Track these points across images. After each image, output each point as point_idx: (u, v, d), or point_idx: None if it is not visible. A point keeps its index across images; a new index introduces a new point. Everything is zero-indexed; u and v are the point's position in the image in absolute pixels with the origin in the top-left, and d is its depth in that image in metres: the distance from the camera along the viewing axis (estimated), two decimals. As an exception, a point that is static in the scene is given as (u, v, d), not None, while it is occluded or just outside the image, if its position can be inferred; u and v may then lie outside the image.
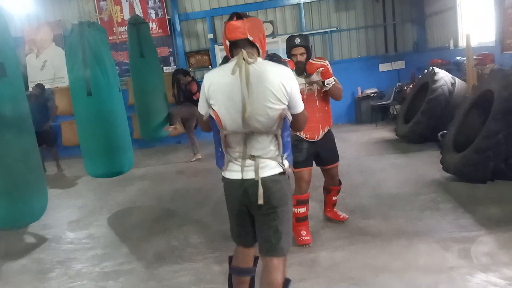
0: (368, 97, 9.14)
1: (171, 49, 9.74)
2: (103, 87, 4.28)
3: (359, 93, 9.31)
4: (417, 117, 6.55)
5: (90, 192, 6.40)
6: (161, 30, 9.59)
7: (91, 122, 4.34)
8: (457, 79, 6.46)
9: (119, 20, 9.20)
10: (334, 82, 3.43)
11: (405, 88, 8.35)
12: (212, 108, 2.19)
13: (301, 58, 3.44)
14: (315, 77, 3.46)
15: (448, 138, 5.27)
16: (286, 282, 2.25)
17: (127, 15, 9.25)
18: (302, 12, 9.45)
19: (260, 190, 2.16)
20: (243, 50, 2.15)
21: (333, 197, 3.99)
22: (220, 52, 9.61)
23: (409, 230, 3.66)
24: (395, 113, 8.57)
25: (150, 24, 9.34)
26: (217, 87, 2.18)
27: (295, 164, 3.48)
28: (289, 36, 3.53)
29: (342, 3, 9.43)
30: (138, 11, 9.28)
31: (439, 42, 8.45)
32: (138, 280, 3.40)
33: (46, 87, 9.56)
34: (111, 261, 3.83)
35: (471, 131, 4.91)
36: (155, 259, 3.74)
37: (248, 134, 2.18)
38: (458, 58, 6.90)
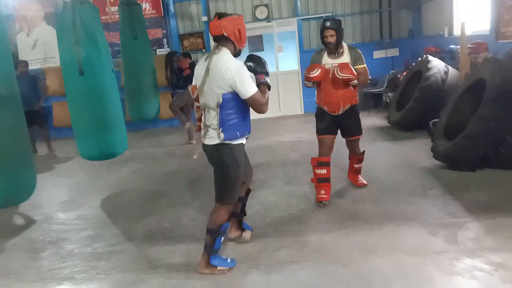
0: (361, 83, 9.13)
1: (164, 31, 9.62)
2: (96, 66, 4.21)
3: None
4: (410, 105, 6.59)
5: (81, 173, 6.38)
6: (154, 11, 9.45)
7: (84, 102, 4.27)
8: (450, 68, 6.48)
9: (112, 0, 9.04)
10: (357, 82, 3.92)
11: (399, 75, 8.36)
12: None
13: (331, 40, 3.94)
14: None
15: (439, 126, 5.32)
16: (223, 224, 3.02)
17: (120, -5, 9.10)
18: (298, -4, 9.37)
19: (200, 150, 3.03)
20: (215, 43, 2.86)
21: (355, 165, 4.46)
22: (214, 35, 9.52)
23: (398, 215, 3.72)
24: (388, 100, 8.60)
25: (144, 5, 9.22)
26: (197, 68, 2.95)
27: (318, 131, 4.18)
28: (323, 20, 4.06)
29: (338, -12, 9.37)
30: (132, -9, 9.12)
31: (434, 30, 8.45)
32: (129, 261, 3.43)
33: (37, 67, 9.47)
34: (103, 241, 3.85)
35: (462, 119, 4.94)
36: (146, 240, 3.77)
37: (205, 108, 2.88)
38: (452, 46, 6.91)
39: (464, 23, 6.05)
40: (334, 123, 4.12)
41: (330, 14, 9.40)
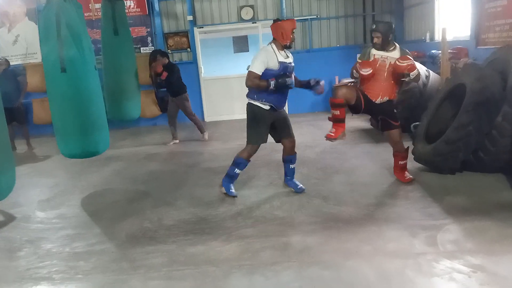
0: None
1: (149, 29, 9.54)
2: (78, 64, 4.13)
3: (337, 82, 9.39)
4: (392, 108, 6.66)
5: (61, 171, 6.28)
6: (139, 9, 9.37)
7: (65, 99, 4.18)
8: (431, 72, 6.58)
9: (96, -3, 8.93)
10: (415, 74, 4.20)
11: (382, 78, 8.45)
12: None
13: (377, 40, 4.33)
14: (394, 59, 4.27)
15: (420, 129, 5.39)
16: (239, 158, 4.28)
17: (104, -8, 8.98)
18: (283, -2, 9.42)
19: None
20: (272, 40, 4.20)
21: (399, 162, 4.58)
22: (199, 35, 9.48)
23: (380, 216, 3.76)
24: (371, 103, 8.69)
25: (128, 3, 9.13)
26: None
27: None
28: (373, 21, 4.35)
29: (323, -9, 9.46)
30: (116, -12, 9.01)
31: (416, 35, 8.58)
32: (109, 261, 3.38)
33: (18, 62, 9.31)
34: (82, 241, 3.79)
35: (443, 123, 5.03)
36: (127, 240, 3.72)
37: None
38: (433, 51, 7.03)
39: (445, 28, 6.16)
40: (370, 104, 4.35)
41: (315, 16, 9.49)
